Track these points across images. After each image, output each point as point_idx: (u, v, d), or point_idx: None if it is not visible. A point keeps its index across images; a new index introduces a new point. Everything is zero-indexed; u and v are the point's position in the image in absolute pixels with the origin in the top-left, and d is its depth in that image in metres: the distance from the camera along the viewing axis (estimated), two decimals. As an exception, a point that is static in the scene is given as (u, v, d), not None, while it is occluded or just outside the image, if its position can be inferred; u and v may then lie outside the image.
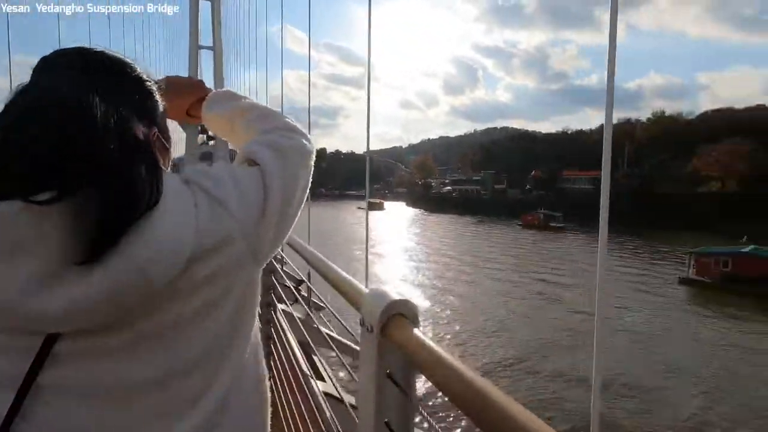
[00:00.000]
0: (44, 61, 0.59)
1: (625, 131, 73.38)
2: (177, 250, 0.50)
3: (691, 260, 20.15)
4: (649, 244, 34.52)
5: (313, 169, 0.72)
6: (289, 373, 1.72)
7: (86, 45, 0.61)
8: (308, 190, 0.70)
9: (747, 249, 19.16)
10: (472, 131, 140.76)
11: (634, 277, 21.85)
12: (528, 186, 65.76)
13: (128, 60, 0.63)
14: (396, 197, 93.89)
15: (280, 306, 1.70)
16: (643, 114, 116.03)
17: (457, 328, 15.06)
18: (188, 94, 0.87)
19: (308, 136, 0.73)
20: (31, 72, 0.58)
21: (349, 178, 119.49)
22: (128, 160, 0.50)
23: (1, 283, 0.45)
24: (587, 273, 22.88)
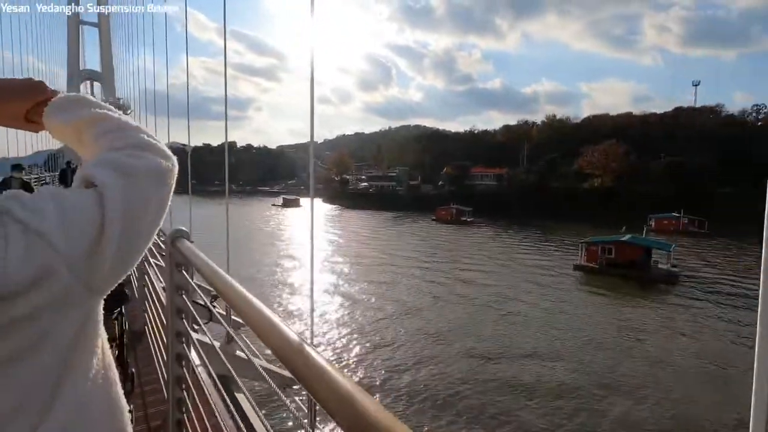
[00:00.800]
0: None
1: (523, 132, 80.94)
2: None
3: (582, 249, 22.72)
4: (547, 236, 38.16)
5: (172, 188, 0.66)
6: (206, 421, 1.47)
7: None
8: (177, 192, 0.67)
9: (625, 238, 22.15)
10: (387, 128, 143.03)
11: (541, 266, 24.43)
12: (441, 182, 68.84)
13: None
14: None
15: (194, 336, 1.49)
16: (538, 117, 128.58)
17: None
18: (21, 98, 0.73)
19: (168, 153, 0.66)
20: None
21: (263, 173, 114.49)
22: None
23: None
24: (497, 262, 24.88)
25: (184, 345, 1.46)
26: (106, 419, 0.62)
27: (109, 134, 0.66)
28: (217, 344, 1.74)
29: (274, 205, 69.69)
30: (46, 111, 0.71)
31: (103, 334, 0.63)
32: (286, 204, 69.89)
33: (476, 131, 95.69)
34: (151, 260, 4.32)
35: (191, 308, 1.44)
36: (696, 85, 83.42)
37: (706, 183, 50.34)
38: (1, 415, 0.50)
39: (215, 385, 1.56)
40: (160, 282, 3.67)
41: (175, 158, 0.67)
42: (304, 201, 75.41)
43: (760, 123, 62.59)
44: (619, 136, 57.58)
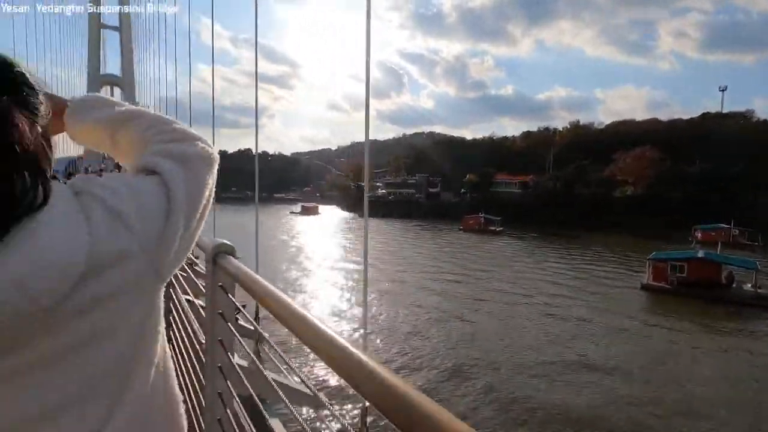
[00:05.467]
0: None
1: (545, 138, 78.62)
2: (65, 265, 0.46)
3: (648, 266, 20.46)
4: (588, 248, 35.69)
5: (216, 176, 0.69)
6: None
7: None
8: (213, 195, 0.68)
9: (700, 254, 19.89)
10: (401, 135, 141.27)
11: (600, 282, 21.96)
12: (463, 190, 66.78)
13: (9, 58, 0.57)
14: (328, 200, 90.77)
15: (235, 363, 1.29)
16: (553, 124, 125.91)
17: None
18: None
19: (209, 142, 0.69)
20: None
21: (278, 180, 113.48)
22: (9, 158, 0.46)
23: None
24: (546, 279, 22.65)
25: (224, 375, 1.29)
26: (167, 408, 0.63)
27: (151, 128, 0.67)
28: (257, 368, 1.45)
29: (292, 212, 68.26)
30: (72, 111, 0.70)
31: (162, 323, 0.62)
32: (305, 211, 68.49)
33: (495, 138, 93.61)
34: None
35: (235, 335, 1.29)
36: (723, 90, 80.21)
37: (743, 191, 47.57)
38: (79, 395, 0.50)
39: (254, 411, 1.37)
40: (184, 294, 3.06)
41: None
42: (323, 208, 74.10)
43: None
44: (647, 142, 55.02)
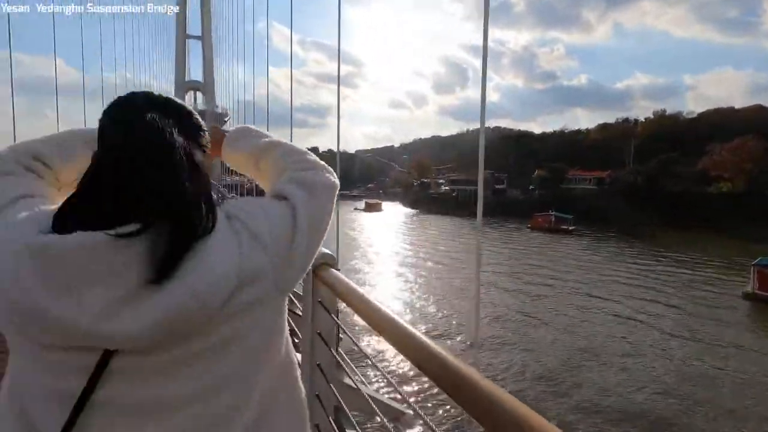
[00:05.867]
0: (120, 105, 0.63)
1: (624, 130, 72.46)
2: (226, 278, 0.55)
3: (753, 272, 18.00)
4: (678, 250, 32.32)
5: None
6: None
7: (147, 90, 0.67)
8: None
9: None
10: (465, 130, 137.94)
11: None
12: (531, 186, 63.74)
13: (180, 101, 0.68)
14: (390, 197, 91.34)
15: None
16: (633, 114, 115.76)
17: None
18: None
19: (332, 170, 0.78)
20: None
21: (342, 177, 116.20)
22: (197, 194, 0.57)
23: (81, 308, 0.50)
24: (632, 283, 20.74)
25: (321, 404, 1.24)
26: (291, 408, 0.70)
27: (286, 156, 0.78)
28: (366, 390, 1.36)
29: (356, 209, 69.54)
30: (228, 141, 0.85)
31: (286, 331, 0.70)
32: (369, 208, 69.46)
33: (566, 130, 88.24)
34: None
35: (336, 358, 1.25)
36: None
37: None
38: (221, 384, 0.59)
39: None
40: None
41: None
42: (385, 205, 74.71)
43: None
44: (748, 132, 48.34)
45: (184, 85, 31.82)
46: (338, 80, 5.59)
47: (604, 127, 79.14)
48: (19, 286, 0.50)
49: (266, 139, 0.83)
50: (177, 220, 0.54)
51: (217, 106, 31.31)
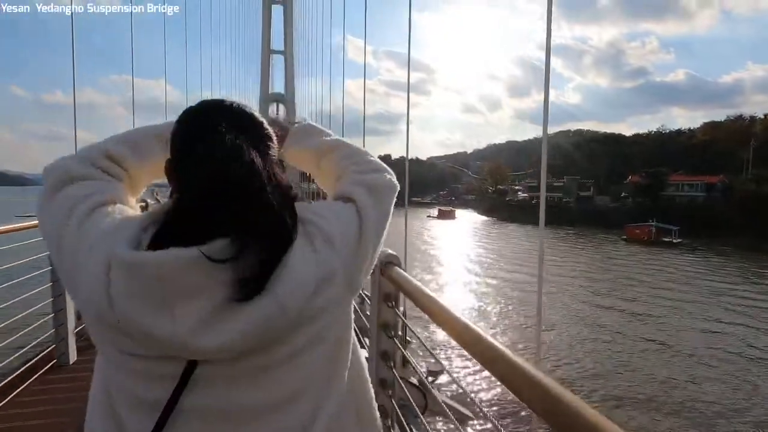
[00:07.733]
0: (195, 118, 0.64)
1: (738, 129, 63.00)
2: (305, 284, 0.56)
3: None
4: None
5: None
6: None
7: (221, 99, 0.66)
8: None
9: None
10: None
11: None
12: (624, 193, 57.80)
13: (249, 109, 0.68)
14: (463, 204, 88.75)
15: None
16: (745, 111, 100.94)
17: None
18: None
19: (392, 172, 0.78)
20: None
21: (414, 184, 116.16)
22: (282, 210, 0.57)
23: (175, 321, 0.51)
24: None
25: (389, 393, 1.31)
26: (363, 412, 0.69)
27: (349, 158, 0.78)
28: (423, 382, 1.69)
29: (429, 216, 68.35)
30: (292, 138, 0.83)
31: (352, 330, 0.70)
32: (441, 215, 67.93)
33: (664, 131, 79.23)
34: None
35: (400, 349, 1.30)
36: None
37: None
38: (298, 391, 0.59)
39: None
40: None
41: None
42: (459, 212, 72.64)
43: None
44: None
45: (268, 97, 33.43)
46: (408, 87, 5.57)
47: (712, 127, 69.75)
48: (113, 299, 0.51)
49: (329, 138, 0.82)
50: (265, 238, 0.54)
51: (296, 117, 32.28)
